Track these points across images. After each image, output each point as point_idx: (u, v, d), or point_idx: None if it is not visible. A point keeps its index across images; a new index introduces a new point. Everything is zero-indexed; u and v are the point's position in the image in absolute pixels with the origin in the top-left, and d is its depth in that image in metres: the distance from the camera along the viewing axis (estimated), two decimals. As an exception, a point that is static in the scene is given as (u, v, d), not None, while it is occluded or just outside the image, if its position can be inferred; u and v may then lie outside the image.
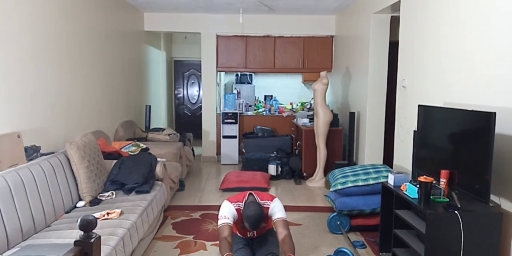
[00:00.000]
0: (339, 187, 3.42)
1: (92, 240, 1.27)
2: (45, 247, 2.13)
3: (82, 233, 1.28)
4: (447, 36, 2.91)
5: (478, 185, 2.21)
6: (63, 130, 3.63)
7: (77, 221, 1.29)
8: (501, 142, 2.25)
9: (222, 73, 7.53)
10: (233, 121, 6.36)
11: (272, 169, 5.38)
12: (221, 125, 6.39)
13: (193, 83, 8.79)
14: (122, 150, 4.15)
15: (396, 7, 3.99)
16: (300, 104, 7.30)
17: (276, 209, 2.79)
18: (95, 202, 3.03)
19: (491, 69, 2.40)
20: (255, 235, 2.92)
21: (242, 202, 2.82)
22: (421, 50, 3.35)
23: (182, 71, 8.73)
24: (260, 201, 2.83)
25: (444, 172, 2.43)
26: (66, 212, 2.86)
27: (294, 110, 7.05)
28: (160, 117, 7.55)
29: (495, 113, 2.10)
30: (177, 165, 4.55)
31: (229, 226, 2.70)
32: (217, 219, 2.78)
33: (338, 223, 3.45)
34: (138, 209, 2.86)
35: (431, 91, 3.15)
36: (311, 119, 5.71)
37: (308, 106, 7.00)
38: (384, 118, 4.75)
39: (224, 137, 6.40)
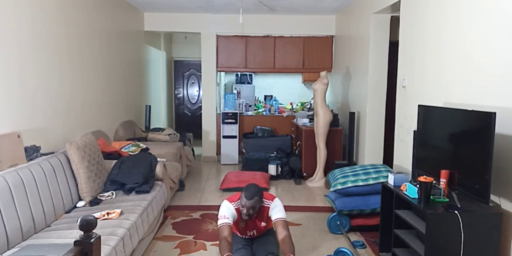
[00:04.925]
0: (339, 187, 3.42)
1: (92, 240, 1.27)
2: (45, 247, 2.13)
3: (82, 233, 1.28)
4: (447, 36, 2.91)
5: (478, 185, 2.21)
6: (63, 130, 3.63)
7: (77, 221, 1.29)
8: (501, 142, 2.25)
9: (222, 73, 7.53)
10: (233, 121, 6.36)
11: (272, 169, 5.38)
12: (221, 125, 6.39)
13: (193, 83, 8.79)
14: (122, 150, 4.15)
15: (396, 7, 3.99)
16: (300, 104, 7.30)
17: (277, 209, 2.79)
18: (95, 202, 3.03)
19: (491, 69, 2.40)
20: (255, 235, 2.92)
21: (242, 201, 2.81)
22: (421, 50, 3.35)
23: (182, 71, 8.73)
24: (260, 201, 2.83)
25: (444, 172, 2.43)
26: (66, 212, 2.86)
27: (294, 110, 7.05)
28: (160, 117, 7.55)
29: (495, 113, 2.10)
30: (177, 165, 4.55)
31: (229, 226, 2.70)
32: (217, 219, 2.78)
33: (338, 223, 3.45)
34: (138, 209, 2.86)
35: (431, 91, 3.15)
36: (311, 119, 5.71)
37: (308, 106, 7.00)
38: (384, 118, 4.75)
39: (224, 137, 6.40)
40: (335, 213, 3.46)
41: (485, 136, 2.15)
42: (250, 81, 7.31)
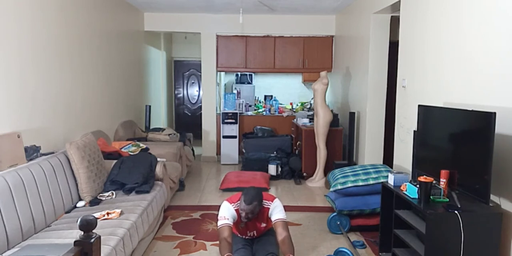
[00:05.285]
0: (339, 187, 3.42)
1: (92, 240, 1.27)
2: (45, 247, 2.13)
3: (82, 233, 1.28)
4: (447, 36, 2.91)
5: (478, 185, 2.21)
6: (63, 130, 3.63)
7: (77, 221, 1.29)
8: (501, 142, 2.25)
9: (222, 73, 7.53)
10: (233, 121, 6.36)
11: (272, 169, 5.38)
12: (221, 125, 6.39)
13: (193, 83, 8.79)
14: (122, 150, 4.15)
15: (396, 7, 3.99)
16: (300, 104, 7.30)
17: (277, 210, 2.79)
18: (95, 202, 3.03)
19: (491, 69, 2.40)
20: (255, 235, 2.92)
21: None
22: (421, 50, 3.35)
23: (182, 71, 8.73)
24: (260, 201, 2.82)
25: (444, 172, 2.43)
26: (66, 212, 2.86)
27: (294, 110, 7.05)
28: (160, 117, 7.55)
29: (495, 113, 2.10)
30: (177, 165, 4.55)
31: (229, 226, 2.70)
32: (217, 219, 2.78)
33: (338, 223, 3.45)
34: (138, 209, 2.86)
35: (431, 91, 3.15)
36: (311, 119, 5.71)
37: (308, 106, 7.00)
38: (384, 118, 4.75)
39: (224, 137, 6.40)
40: (335, 213, 3.46)
41: (485, 136, 2.15)
42: (250, 81, 7.31)
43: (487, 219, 2.19)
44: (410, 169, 3.19)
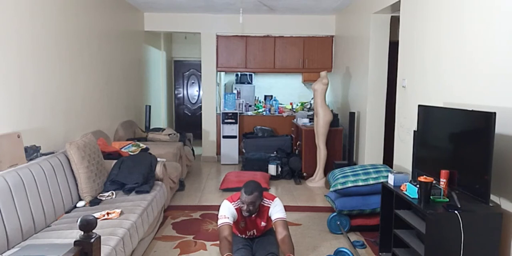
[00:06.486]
0: (339, 187, 3.42)
1: (92, 240, 1.27)
2: (45, 247, 2.13)
3: (82, 233, 1.28)
4: (447, 36, 2.91)
5: (478, 185, 2.21)
6: (63, 130, 3.63)
7: (77, 221, 1.29)
8: (501, 142, 2.25)
9: (222, 73, 7.53)
10: (233, 121, 6.36)
11: (272, 169, 5.38)
12: (221, 125, 6.39)
13: (193, 83, 8.80)
14: (122, 150, 4.15)
15: (396, 7, 3.99)
16: (300, 104, 7.30)
17: (277, 209, 2.79)
18: (95, 202, 3.03)
19: (491, 69, 2.40)
20: (255, 234, 2.93)
21: (241, 201, 2.81)
22: (421, 50, 3.35)
23: (182, 71, 8.73)
24: (261, 200, 2.82)
25: (444, 172, 2.43)
26: (66, 212, 2.86)
27: (294, 110, 7.05)
28: (160, 117, 7.55)
29: (495, 113, 2.10)
30: (177, 165, 4.55)
31: (229, 225, 2.70)
32: (217, 219, 2.78)
33: (338, 223, 3.45)
34: (138, 209, 2.86)
35: (431, 91, 3.15)
36: (311, 119, 5.72)
37: (308, 106, 7.00)
38: (384, 118, 4.75)
39: (224, 137, 6.40)
40: (335, 213, 3.46)
41: (485, 136, 2.15)
42: (250, 81, 7.31)
43: (487, 219, 2.19)
44: (410, 169, 3.19)
